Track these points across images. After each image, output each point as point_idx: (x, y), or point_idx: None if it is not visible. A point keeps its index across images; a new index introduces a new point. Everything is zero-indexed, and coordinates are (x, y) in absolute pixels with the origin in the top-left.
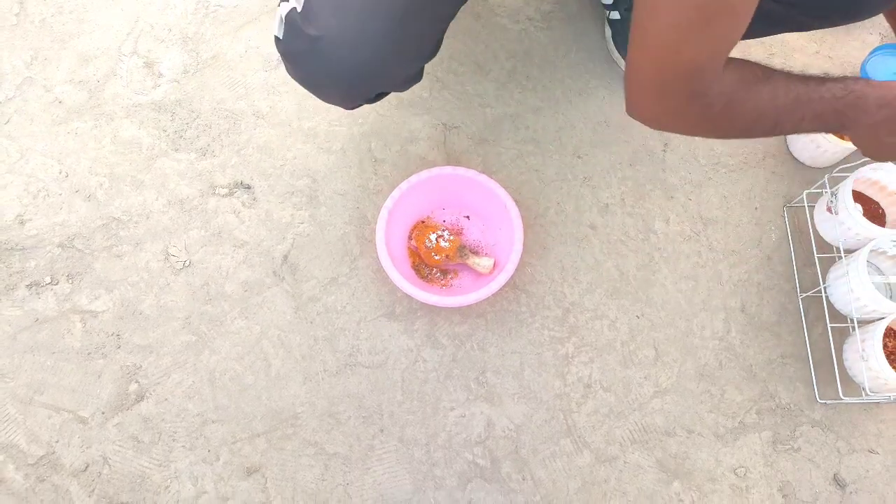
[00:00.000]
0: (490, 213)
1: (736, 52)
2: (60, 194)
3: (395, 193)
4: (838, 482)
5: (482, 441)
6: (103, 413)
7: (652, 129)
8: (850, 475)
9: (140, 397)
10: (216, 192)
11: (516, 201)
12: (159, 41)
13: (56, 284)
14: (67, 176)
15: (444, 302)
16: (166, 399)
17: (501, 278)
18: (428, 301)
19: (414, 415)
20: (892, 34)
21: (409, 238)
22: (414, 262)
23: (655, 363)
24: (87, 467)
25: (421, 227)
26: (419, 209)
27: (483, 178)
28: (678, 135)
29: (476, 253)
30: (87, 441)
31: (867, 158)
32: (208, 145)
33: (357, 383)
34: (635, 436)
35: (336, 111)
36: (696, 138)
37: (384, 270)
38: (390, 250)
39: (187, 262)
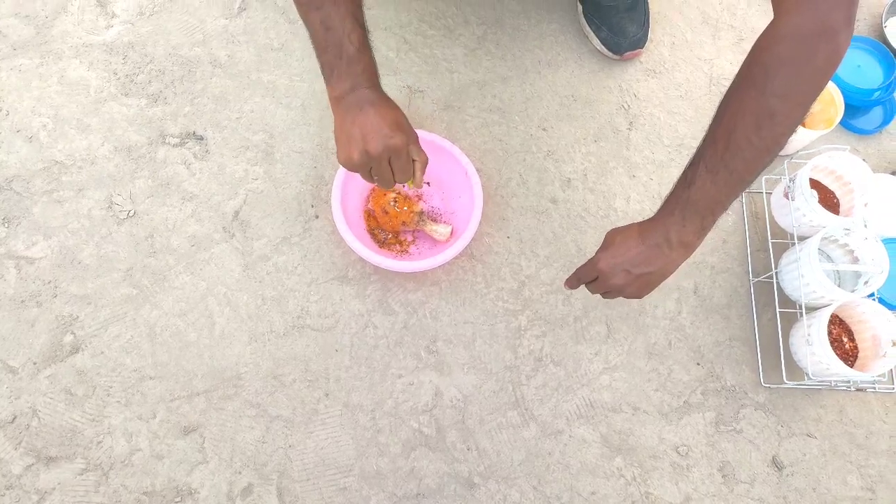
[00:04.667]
0: (451, 180)
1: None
2: (0, 133)
3: None
4: (776, 464)
5: (429, 409)
6: (35, 364)
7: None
8: (788, 458)
9: (75, 349)
10: (166, 141)
11: (478, 170)
12: None
13: None
14: (8, 114)
15: (396, 266)
16: (102, 352)
17: (458, 245)
18: (381, 265)
19: (361, 381)
20: (857, 26)
21: (367, 201)
22: (370, 226)
23: (606, 340)
24: (14, 419)
25: (379, 191)
26: None
27: (446, 143)
28: (639, 111)
29: (434, 220)
30: (15, 392)
31: (827, 146)
32: (160, 92)
33: (304, 346)
34: (582, 411)
35: (298, 64)
36: (662, 118)
37: (339, 232)
38: (346, 212)
39: (132, 212)
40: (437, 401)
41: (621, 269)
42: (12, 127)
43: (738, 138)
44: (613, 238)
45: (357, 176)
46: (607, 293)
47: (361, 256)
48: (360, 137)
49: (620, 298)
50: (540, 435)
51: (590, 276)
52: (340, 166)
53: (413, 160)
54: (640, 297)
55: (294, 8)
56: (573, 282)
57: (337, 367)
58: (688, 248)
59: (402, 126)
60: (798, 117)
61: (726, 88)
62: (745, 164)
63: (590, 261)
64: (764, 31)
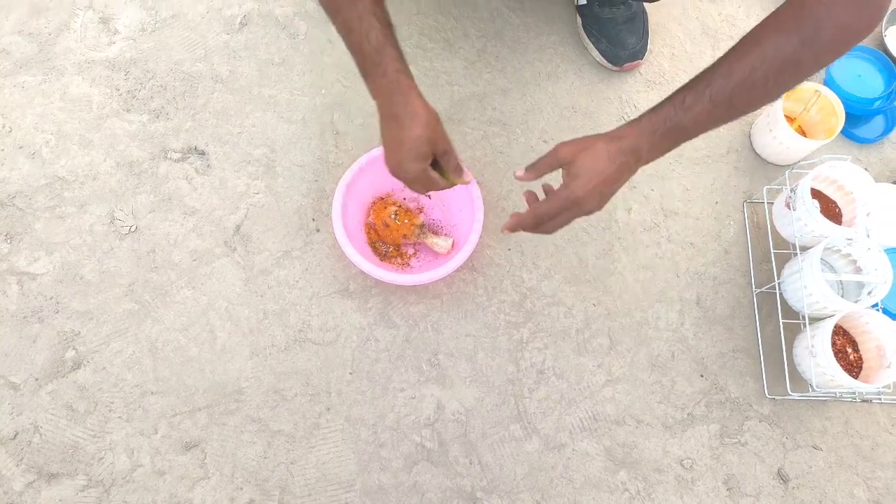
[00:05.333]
0: (452, 192)
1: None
2: (2, 150)
3: (355, 167)
4: (782, 477)
5: (431, 423)
6: (37, 379)
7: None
8: (794, 470)
9: (77, 365)
10: (168, 156)
11: (479, 182)
12: None
13: None
14: (11, 131)
15: (397, 280)
16: (104, 368)
17: (458, 258)
18: (382, 278)
19: (363, 394)
20: None
21: (368, 214)
22: (371, 239)
23: (609, 352)
24: (16, 435)
25: (380, 204)
26: (379, 185)
27: None
28: None
29: (435, 233)
30: (17, 408)
31: (829, 156)
32: (162, 107)
33: (306, 360)
34: (585, 424)
35: (299, 79)
36: None
37: (340, 246)
38: (347, 225)
39: (133, 228)
40: (440, 414)
41: (598, 192)
42: (15, 143)
43: (756, 79)
44: (582, 161)
45: (359, 188)
46: (566, 221)
47: (363, 270)
48: (389, 158)
49: (617, 308)
50: (543, 448)
51: (561, 209)
52: (341, 179)
53: (447, 162)
54: (591, 213)
55: (295, 22)
56: (514, 225)
57: (338, 380)
58: (646, 163)
59: (416, 150)
60: (813, 73)
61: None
62: (749, 104)
63: (561, 192)
64: None
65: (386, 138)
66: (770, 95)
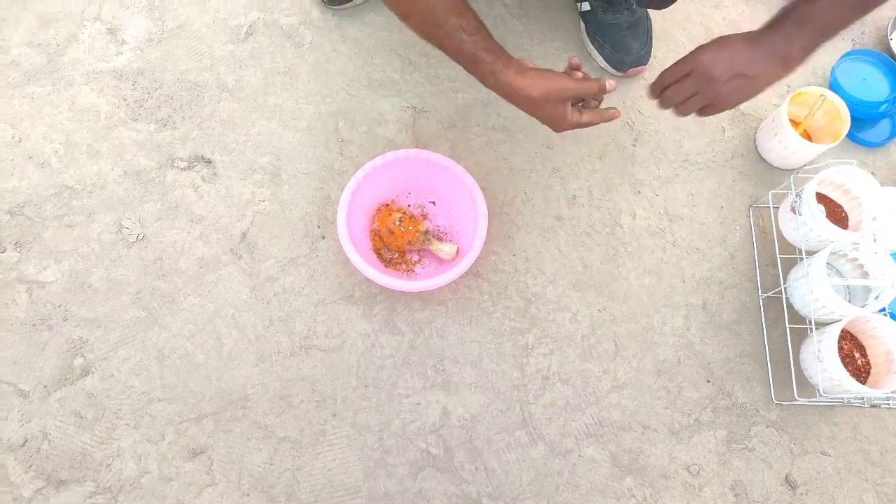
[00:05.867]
0: (456, 199)
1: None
2: (12, 160)
3: (360, 174)
4: (790, 483)
5: (436, 430)
6: (45, 387)
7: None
8: (802, 476)
9: (85, 372)
10: (175, 164)
11: (483, 189)
12: (124, 7)
13: (2, 252)
14: (20, 141)
15: (403, 286)
16: (112, 375)
17: (463, 265)
18: (388, 285)
19: (368, 401)
20: (864, 39)
21: (373, 221)
22: (376, 246)
23: (615, 357)
24: (25, 442)
25: (384, 211)
26: (384, 192)
27: (450, 162)
28: (643, 127)
29: (440, 239)
30: (26, 415)
31: (834, 160)
32: (169, 116)
33: (311, 367)
34: (591, 429)
35: (304, 88)
36: (667, 134)
37: (345, 252)
38: (352, 232)
39: (141, 236)
40: (445, 420)
41: (723, 63)
42: (25, 153)
43: None
44: (717, 40)
45: (364, 195)
46: (691, 99)
47: (367, 277)
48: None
49: (623, 313)
50: (548, 454)
51: (683, 72)
52: (346, 186)
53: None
54: (726, 107)
55: (300, 31)
56: (657, 87)
57: (344, 387)
58: (789, 63)
59: (547, 92)
60: None
61: None
62: None
63: (686, 56)
64: None
65: (526, 105)
66: None
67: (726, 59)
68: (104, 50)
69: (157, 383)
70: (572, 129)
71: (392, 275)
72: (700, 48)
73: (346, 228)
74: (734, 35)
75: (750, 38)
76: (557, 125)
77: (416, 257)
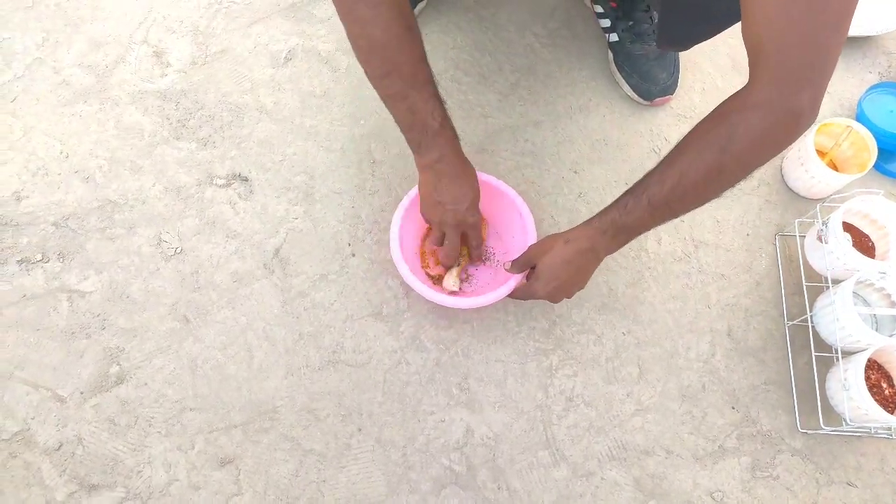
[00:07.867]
0: (505, 221)
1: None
2: (59, 174)
3: (412, 192)
4: None
5: (460, 447)
6: (82, 393)
7: (647, 149)
8: None
9: (120, 380)
10: (214, 182)
11: None
12: (170, 32)
13: (47, 262)
14: (68, 156)
15: (459, 304)
16: (146, 384)
17: (510, 284)
18: (443, 302)
19: (393, 416)
20: (890, 73)
21: (422, 242)
22: (423, 264)
23: (639, 381)
24: (60, 446)
25: (430, 232)
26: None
27: (501, 184)
28: None
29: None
30: (63, 420)
31: (860, 190)
32: (210, 136)
33: (339, 381)
34: (614, 452)
35: (339, 111)
36: None
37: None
38: (403, 248)
39: (179, 249)
40: (468, 438)
41: (560, 291)
42: (71, 168)
43: (685, 185)
44: (542, 263)
45: (413, 218)
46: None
47: (417, 291)
48: (444, 208)
49: (647, 337)
50: (571, 476)
51: (528, 298)
52: (397, 208)
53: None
54: (559, 301)
55: (336, 57)
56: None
57: (370, 402)
58: (601, 259)
59: (475, 206)
60: (742, 178)
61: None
62: (684, 206)
63: (529, 287)
64: (737, 93)
65: (445, 193)
66: (704, 198)
67: (562, 286)
68: (150, 72)
69: (189, 393)
70: (461, 222)
71: (439, 290)
72: (536, 286)
73: (398, 243)
74: (557, 255)
75: (572, 256)
76: (464, 212)
77: (463, 275)
